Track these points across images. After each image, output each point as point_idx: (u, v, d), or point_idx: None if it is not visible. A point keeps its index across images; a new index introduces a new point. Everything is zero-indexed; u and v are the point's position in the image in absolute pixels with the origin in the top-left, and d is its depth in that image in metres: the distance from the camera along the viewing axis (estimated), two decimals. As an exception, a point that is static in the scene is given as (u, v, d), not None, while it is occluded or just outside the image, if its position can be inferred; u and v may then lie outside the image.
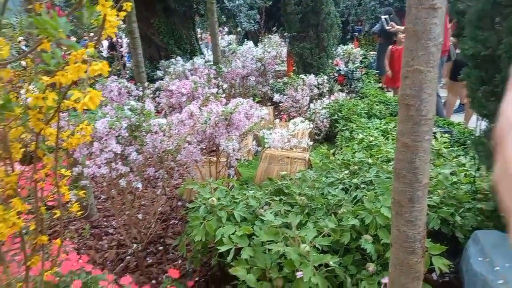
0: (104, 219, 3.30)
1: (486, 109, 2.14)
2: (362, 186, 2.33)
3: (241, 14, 7.89)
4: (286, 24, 6.21)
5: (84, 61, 0.83)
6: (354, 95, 6.02)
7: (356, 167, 2.62)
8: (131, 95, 4.25)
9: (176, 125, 2.63)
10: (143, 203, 3.30)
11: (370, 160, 2.77)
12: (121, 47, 6.84)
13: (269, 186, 2.44)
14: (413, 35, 1.24)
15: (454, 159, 3.10)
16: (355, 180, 2.37)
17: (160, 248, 2.78)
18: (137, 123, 2.31)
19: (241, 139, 2.78)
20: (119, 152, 2.03)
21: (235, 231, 1.94)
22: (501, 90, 2.02)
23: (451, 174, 2.48)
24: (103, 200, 3.56)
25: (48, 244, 1.73)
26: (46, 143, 1.48)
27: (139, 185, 2.29)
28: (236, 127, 2.67)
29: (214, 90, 3.76)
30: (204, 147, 2.66)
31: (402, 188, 1.37)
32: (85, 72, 0.82)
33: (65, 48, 1.04)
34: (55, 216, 1.68)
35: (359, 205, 2.06)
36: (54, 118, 1.33)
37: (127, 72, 7.12)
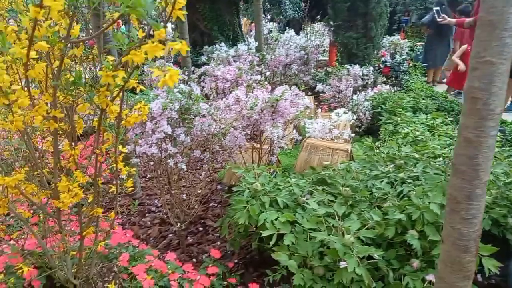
0: (147, 197, 3.43)
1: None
2: (409, 181, 2.27)
3: (286, 1, 7.79)
4: (332, 12, 6.07)
5: (161, 41, 0.86)
6: (398, 88, 5.82)
7: (402, 161, 2.55)
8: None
9: (222, 110, 2.67)
10: (183, 184, 3.40)
11: (416, 155, 2.69)
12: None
13: (312, 175, 2.43)
14: (487, 24, 1.18)
15: (506, 159, 2.94)
16: (401, 175, 2.31)
17: (201, 228, 2.86)
18: (187, 105, 2.37)
19: (285, 127, 2.78)
20: (169, 132, 2.09)
21: (278, 217, 1.96)
22: None
23: (504, 174, 2.37)
24: (147, 179, 3.69)
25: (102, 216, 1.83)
26: (106, 120, 1.55)
27: (184, 167, 2.36)
28: (281, 115, 2.67)
29: (258, 77, 3.77)
30: (249, 133, 2.69)
31: (460, 184, 1.33)
32: (163, 50, 0.85)
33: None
34: (110, 191, 1.77)
35: (405, 200, 2.01)
36: (119, 96, 1.39)
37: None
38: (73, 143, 1.55)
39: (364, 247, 1.69)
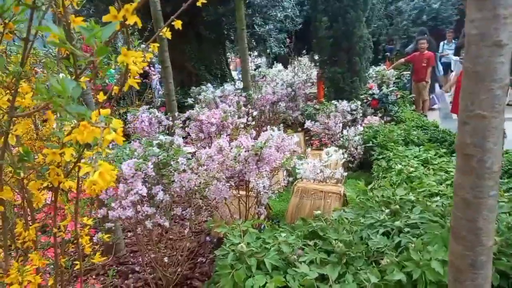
0: (131, 254, 3.21)
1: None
2: (406, 230, 2.11)
3: (271, 38, 7.88)
4: (316, 48, 6.11)
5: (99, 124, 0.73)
6: (389, 118, 5.77)
7: (397, 206, 2.40)
8: (161, 125, 4.24)
9: (205, 160, 2.53)
10: (170, 237, 3.20)
11: (412, 197, 2.54)
12: (154, 74, 6.96)
13: (303, 227, 2.27)
14: (473, 76, 1.07)
15: (506, 193, 2.80)
16: (397, 223, 2.15)
17: (187, 290, 2.64)
18: (165, 160, 2.23)
19: (272, 174, 2.64)
20: (144, 194, 1.94)
21: (266, 282, 1.78)
22: None
23: (508, 214, 2.21)
24: (132, 235, 3.49)
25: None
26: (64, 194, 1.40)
27: (166, 223, 2.19)
28: (267, 162, 2.54)
29: (244, 120, 3.67)
30: (233, 184, 2.54)
31: (461, 251, 1.18)
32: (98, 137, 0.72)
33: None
34: (75, 268, 1.59)
35: (404, 254, 1.84)
36: (75, 168, 1.24)
37: (159, 99, 7.22)
38: (29, 222, 1.39)
39: (362, 318, 1.51)
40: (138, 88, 1.05)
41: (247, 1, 7.17)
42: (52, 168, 1.13)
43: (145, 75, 8.17)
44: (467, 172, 1.12)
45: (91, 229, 1.70)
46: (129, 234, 3.56)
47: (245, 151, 2.51)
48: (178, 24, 1.34)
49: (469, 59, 1.09)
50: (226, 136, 3.60)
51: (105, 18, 0.96)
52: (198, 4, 1.37)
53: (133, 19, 0.95)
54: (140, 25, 0.94)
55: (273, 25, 7.87)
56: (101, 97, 1.18)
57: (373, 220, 2.26)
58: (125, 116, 4.53)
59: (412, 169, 3.47)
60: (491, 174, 1.10)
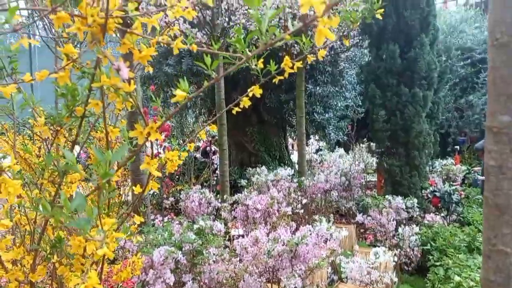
0: None
1: None
2: None
3: (330, 126, 8.03)
4: (374, 140, 6.07)
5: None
6: (454, 217, 5.31)
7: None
8: (210, 205, 4.37)
9: (240, 251, 2.52)
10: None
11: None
12: (214, 154, 7.36)
13: None
14: (494, 208, 1.01)
15: None
16: None
17: None
18: (199, 248, 2.27)
19: (306, 274, 2.53)
20: (171, 283, 1.96)
21: None
22: None
23: None
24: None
25: None
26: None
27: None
28: (302, 260, 2.45)
29: (289, 209, 3.65)
30: (264, 281, 2.46)
31: None
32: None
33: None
34: None
35: None
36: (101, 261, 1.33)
37: (216, 177, 7.52)
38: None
39: None
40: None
41: (308, 91, 7.52)
42: (76, 258, 1.23)
43: (205, 152, 8.66)
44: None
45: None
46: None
47: (281, 245, 2.46)
48: (235, 110, 1.43)
49: (489, 189, 1.04)
50: (269, 224, 3.59)
51: (132, 134, 1.10)
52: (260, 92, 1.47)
53: (155, 137, 1.08)
54: (160, 138, 1.07)
55: (333, 113, 8.07)
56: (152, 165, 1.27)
57: None
58: (180, 194, 4.76)
59: (473, 283, 3.08)
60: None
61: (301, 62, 1.26)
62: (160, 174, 1.18)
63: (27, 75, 1.03)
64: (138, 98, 1.21)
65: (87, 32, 1.04)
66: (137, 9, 1.13)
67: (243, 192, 4.27)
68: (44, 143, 1.28)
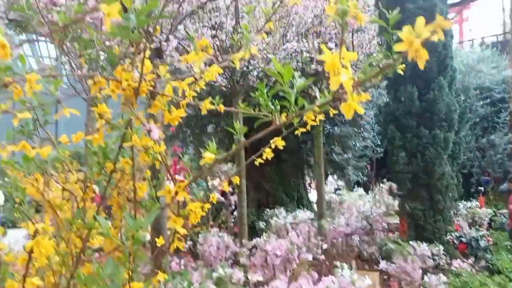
0: None
1: None
2: None
3: (349, 166, 7.97)
4: (395, 181, 5.97)
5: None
6: (482, 264, 5.05)
7: None
8: (229, 249, 4.31)
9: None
10: None
11: None
12: (232, 194, 7.34)
13: None
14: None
15: None
16: None
17: None
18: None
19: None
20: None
21: None
22: None
23: None
24: None
25: None
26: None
27: None
28: (325, 314, 2.35)
29: (310, 256, 3.55)
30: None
31: None
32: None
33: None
34: None
35: None
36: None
37: (233, 219, 7.46)
38: None
39: None
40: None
41: (326, 131, 7.55)
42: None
43: (223, 193, 8.64)
44: None
45: None
46: None
47: (303, 298, 2.38)
48: (258, 161, 1.44)
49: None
50: (289, 271, 3.49)
51: (160, 193, 1.12)
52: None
53: (182, 195, 1.09)
54: (187, 198, 1.08)
55: (352, 154, 8.02)
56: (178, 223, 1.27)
57: None
58: (197, 237, 4.71)
59: None
60: None
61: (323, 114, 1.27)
62: (186, 231, 1.19)
63: (64, 136, 1.08)
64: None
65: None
66: (166, 72, 1.19)
67: (262, 236, 4.20)
68: (73, 196, 1.31)
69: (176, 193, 1.09)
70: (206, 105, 1.16)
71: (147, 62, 1.05)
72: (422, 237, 5.03)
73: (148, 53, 1.04)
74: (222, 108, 1.19)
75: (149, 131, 1.06)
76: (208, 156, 0.98)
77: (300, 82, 0.83)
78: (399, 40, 0.60)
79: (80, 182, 1.25)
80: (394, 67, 0.72)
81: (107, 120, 1.15)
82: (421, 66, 0.60)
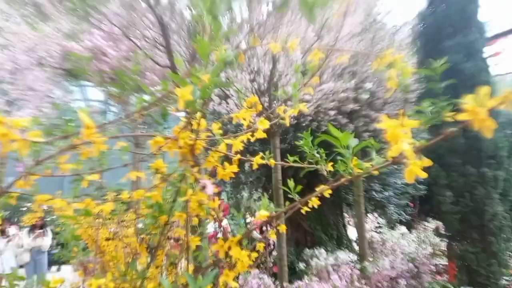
0: None
1: None
2: None
3: (390, 205, 7.68)
4: (442, 222, 5.65)
5: None
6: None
7: None
8: (269, 293, 4.19)
9: None
10: None
11: None
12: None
13: None
14: None
15: None
16: None
17: None
18: None
19: None
20: None
21: None
22: None
23: None
24: None
25: None
26: None
27: None
28: None
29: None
30: None
31: None
32: None
33: None
34: None
35: None
36: None
37: (273, 259, 7.30)
38: None
39: None
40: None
41: (366, 169, 7.38)
42: None
43: (262, 232, 8.53)
44: None
45: None
46: None
47: None
48: (304, 210, 1.43)
49: None
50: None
51: (214, 248, 1.14)
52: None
53: (237, 252, 1.11)
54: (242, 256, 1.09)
55: (393, 191, 7.75)
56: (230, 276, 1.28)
57: None
58: (237, 277, 4.64)
59: None
60: None
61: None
62: (237, 285, 1.19)
63: (125, 193, 1.14)
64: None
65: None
66: (219, 128, 1.25)
67: (303, 279, 4.07)
68: (128, 247, 1.35)
69: (229, 248, 1.11)
70: (257, 160, 1.20)
71: (203, 121, 1.11)
72: (475, 282, 4.68)
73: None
74: (272, 162, 1.22)
75: (203, 187, 1.09)
76: (263, 214, 1.00)
77: (355, 143, 0.84)
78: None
79: (135, 235, 1.30)
80: (453, 133, 0.72)
81: (163, 175, 1.21)
82: (488, 135, 0.60)
